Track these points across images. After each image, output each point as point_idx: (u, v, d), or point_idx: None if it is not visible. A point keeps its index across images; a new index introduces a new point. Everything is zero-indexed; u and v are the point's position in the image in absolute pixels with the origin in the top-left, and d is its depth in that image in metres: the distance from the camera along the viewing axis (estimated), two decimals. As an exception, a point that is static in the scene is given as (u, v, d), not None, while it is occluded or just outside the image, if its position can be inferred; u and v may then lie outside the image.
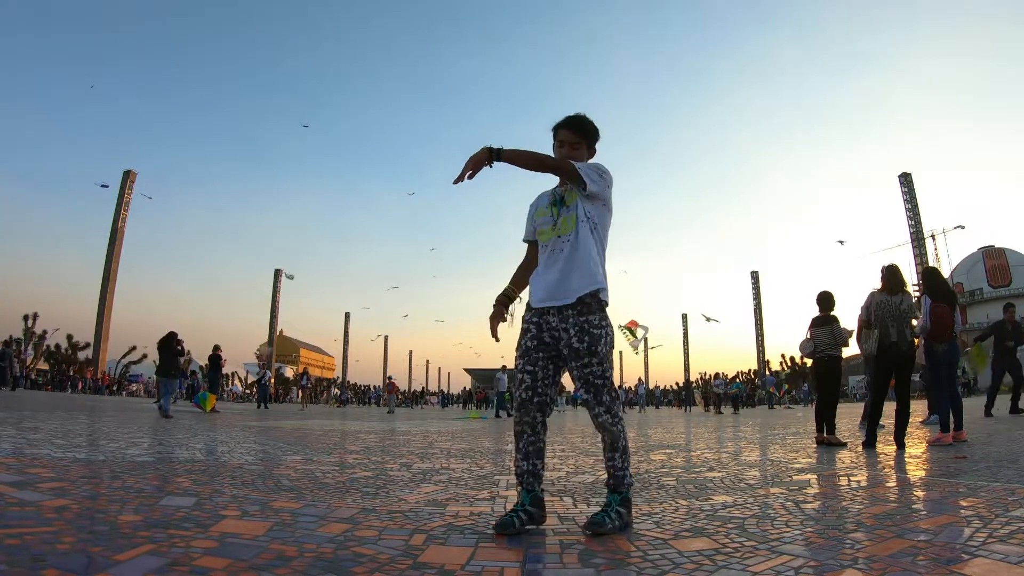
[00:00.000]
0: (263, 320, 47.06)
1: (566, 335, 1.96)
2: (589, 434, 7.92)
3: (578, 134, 2.07)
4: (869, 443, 4.87)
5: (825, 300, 5.87)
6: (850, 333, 5.71)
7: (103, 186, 37.01)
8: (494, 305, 2.15)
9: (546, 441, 2.05)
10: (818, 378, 5.90)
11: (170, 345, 9.80)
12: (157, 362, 10.02)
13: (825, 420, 5.53)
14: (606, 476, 2.04)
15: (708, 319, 46.16)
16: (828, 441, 5.35)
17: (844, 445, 5.21)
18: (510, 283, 2.19)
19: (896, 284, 5.07)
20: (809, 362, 6.22)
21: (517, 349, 2.04)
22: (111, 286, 35.65)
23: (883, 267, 5.24)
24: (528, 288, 2.10)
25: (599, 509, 1.98)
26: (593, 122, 2.11)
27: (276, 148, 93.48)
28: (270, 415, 13.14)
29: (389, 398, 22.55)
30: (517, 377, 2.01)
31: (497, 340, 2.13)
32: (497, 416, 15.38)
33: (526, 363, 1.99)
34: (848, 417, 9.91)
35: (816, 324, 5.81)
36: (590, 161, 2.10)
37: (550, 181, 2.17)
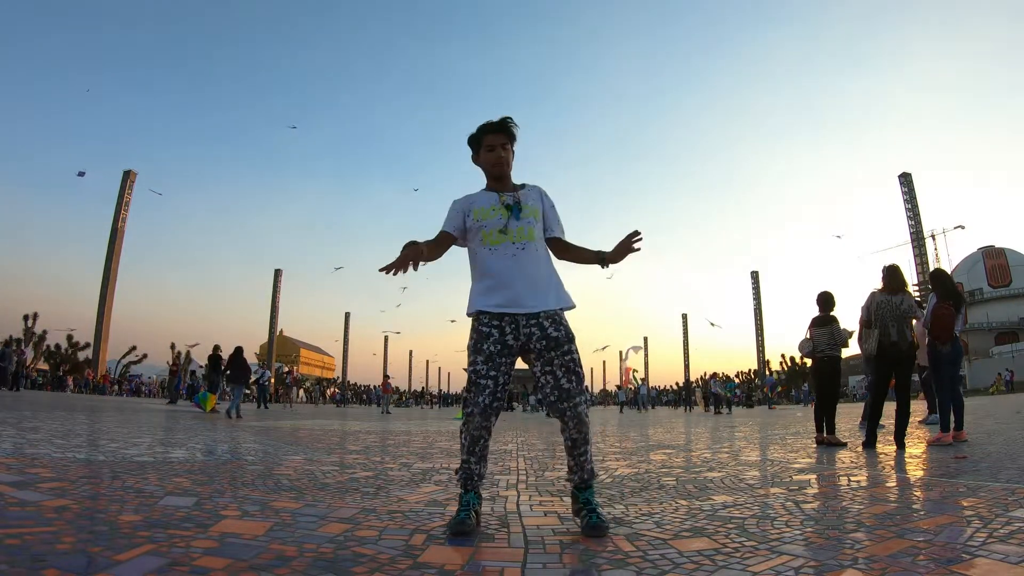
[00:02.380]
0: (263, 320, 47.04)
1: (539, 330, 1.95)
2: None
3: (507, 136, 2.10)
4: (869, 443, 4.87)
5: (825, 300, 5.86)
6: (850, 334, 5.71)
7: (80, 174, 37.46)
8: (411, 245, 1.91)
9: None
10: (818, 378, 5.90)
11: (239, 358, 11.84)
12: (226, 370, 12.08)
13: (825, 420, 5.53)
14: (576, 474, 2.00)
15: (712, 324, 47.26)
16: (828, 441, 5.35)
17: (844, 445, 5.21)
18: (425, 244, 1.96)
19: (897, 284, 5.08)
20: (809, 362, 6.23)
21: (478, 353, 1.96)
22: (111, 286, 35.59)
23: (884, 267, 5.25)
24: (481, 292, 2.01)
25: (585, 510, 1.94)
26: (512, 120, 2.12)
27: (276, 148, 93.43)
28: (269, 415, 13.13)
29: (384, 398, 21.99)
30: (479, 383, 1.94)
31: (394, 271, 1.84)
32: (549, 416, 15.38)
33: (490, 368, 1.94)
34: (848, 417, 9.92)
35: (816, 324, 5.81)
36: (551, 204, 2.16)
37: (474, 183, 2.19)
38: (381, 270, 1.83)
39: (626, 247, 2.05)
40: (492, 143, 2.09)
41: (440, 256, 2.07)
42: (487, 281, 2.02)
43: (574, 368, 1.96)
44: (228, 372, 11.93)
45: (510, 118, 2.11)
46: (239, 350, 11.93)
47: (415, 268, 1.87)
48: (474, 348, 1.98)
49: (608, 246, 2.10)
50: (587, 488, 1.99)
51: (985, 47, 79.45)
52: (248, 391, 14.50)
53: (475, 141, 2.13)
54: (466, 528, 1.85)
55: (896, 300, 4.97)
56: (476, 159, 2.15)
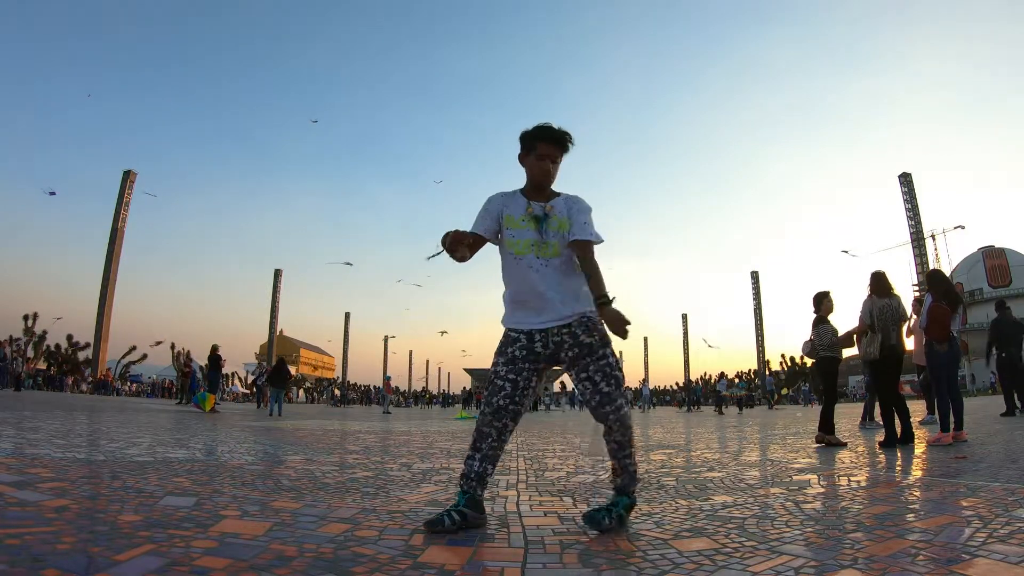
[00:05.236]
0: (263, 320, 47.17)
1: (570, 338, 1.94)
2: (589, 434, 7.91)
3: (561, 149, 2.02)
4: (888, 443, 4.87)
5: (815, 301, 5.93)
6: (846, 335, 5.76)
7: (51, 193, 38.07)
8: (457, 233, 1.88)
9: (503, 450, 2.03)
10: (815, 378, 5.96)
11: (283, 366, 14.40)
12: (268, 375, 14.77)
13: (823, 420, 5.54)
14: (619, 477, 1.99)
15: (710, 346, 48.25)
16: (828, 441, 5.35)
17: (844, 445, 5.21)
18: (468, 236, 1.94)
19: (886, 288, 5.20)
20: (810, 362, 6.28)
21: (501, 355, 1.98)
22: (111, 286, 35.63)
23: (872, 273, 5.35)
24: (509, 306, 2.03)
25: (602, 506, 1.96)
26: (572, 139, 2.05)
27: (276, 149, 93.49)
28: (266, 415, 13.14)
29: (385, 397, 22.59)
30: (495, 383, 1.96)
31: (453, 253, 1.88)
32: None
33: (509, 371, 1.95)
34: (848, 417, 9.91)
35: (813, 325, 5.88)
36: (579, 209, 2.02)
37: (510, 182, 2.13)
38: (430, 257, 1.95)
39: (617, 327, 1.89)
40: (545, 153, 2.00)
41: (469, 258, 1.99)
42: (512, 293, 2.03)
43: (612, 372, 1.94)
44: (270, 377, 14.32)
45: (569, 134, 2.03)
46: (282, 360, 14.70)
47: (460, 253, 1.89)
48: (499, 351, 2.01)
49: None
50: (624, 495, 1.98)
51: (985, 47, 79.50)
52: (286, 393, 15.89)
53: (528, 142, 2.03)
54: (434, 528, 1.84)
55: (894, 304, 5.10)
56: (523, 159, 2.06)
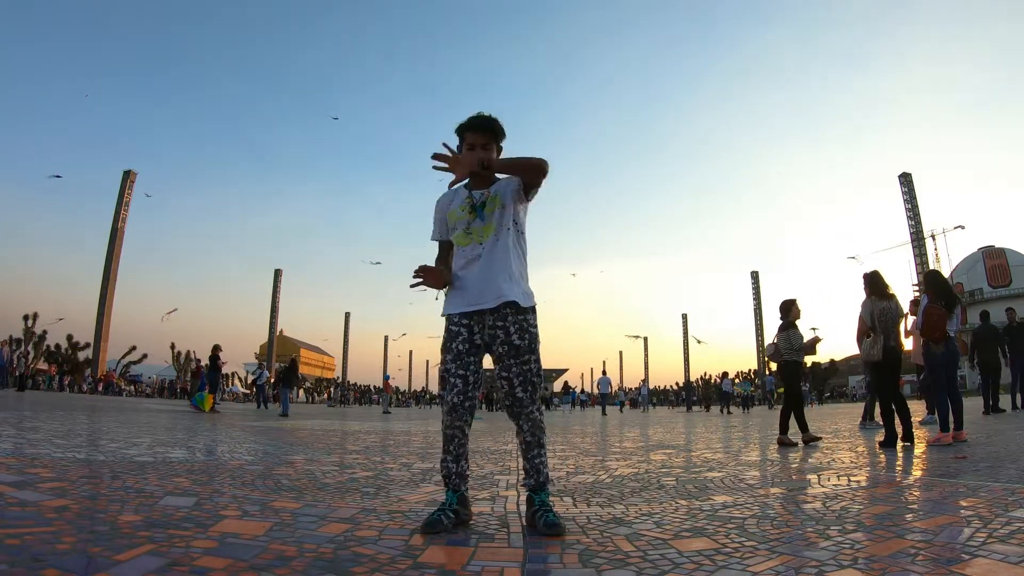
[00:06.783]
0: (263, 320, 47.21)
1: (503, 333, 1.97)
2: (590, 434, 7.92)
3: (486, 134, 2.05)
4: (887, 443, 4.89)
5: (784, 308, 6.03)
6: (811, 341, 5.84)
7: (56, 176, 38.62)
8: (436, 267, 2.04)
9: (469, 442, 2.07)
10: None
11: (296, 368, 15.05)
12: (282, 376, 14.92)
13: (781, 420, 5.69)
14: (531, 477, 2.02)
15: (699, 341, 49.38)
16: (780, 441, 5.40)
17: (795, 445, 5.26)
18: (443, 266, 2.11)
19: (883, 289, 5.21)
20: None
21: (447, 352, 2.01)
22: (111, 286, 35.62)
23: (865, 274, 5.34)
24: (451, 295, 2.06)
25: (540, 511, 1.94)
26: (499, 120, 2.08)
27: (276, 148, 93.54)
28: (269, 415, 13.14)
29: (385, 397, 22.75)
30: (448, 381, 1.99)
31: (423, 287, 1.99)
32: (604, 414, 19.29)
33: (458, 367, 1.98)
34: (848, 417, 9.91)
35: (781, 329, 6.01)
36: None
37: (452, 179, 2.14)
38: (412, 286, 1.95)
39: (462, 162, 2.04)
40: (472, 142, 2.05)
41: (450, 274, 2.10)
42: (456, 282, 2.07)
43: (530, 378, 1.98)
44: (282, 377, 14.74)
45: (492, 117, 2.07)
46: (295, 361, 15.41)
47: (440, 287, 2.01)
48: (444, 347, 2.03)
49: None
50: (542, 490, 2.01)
51: (985, 47, 79.51)
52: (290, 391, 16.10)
53: (458, 134, 2.09)
54: (435, 529, 1.86)
55: (893, 305, 5.12)
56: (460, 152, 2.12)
